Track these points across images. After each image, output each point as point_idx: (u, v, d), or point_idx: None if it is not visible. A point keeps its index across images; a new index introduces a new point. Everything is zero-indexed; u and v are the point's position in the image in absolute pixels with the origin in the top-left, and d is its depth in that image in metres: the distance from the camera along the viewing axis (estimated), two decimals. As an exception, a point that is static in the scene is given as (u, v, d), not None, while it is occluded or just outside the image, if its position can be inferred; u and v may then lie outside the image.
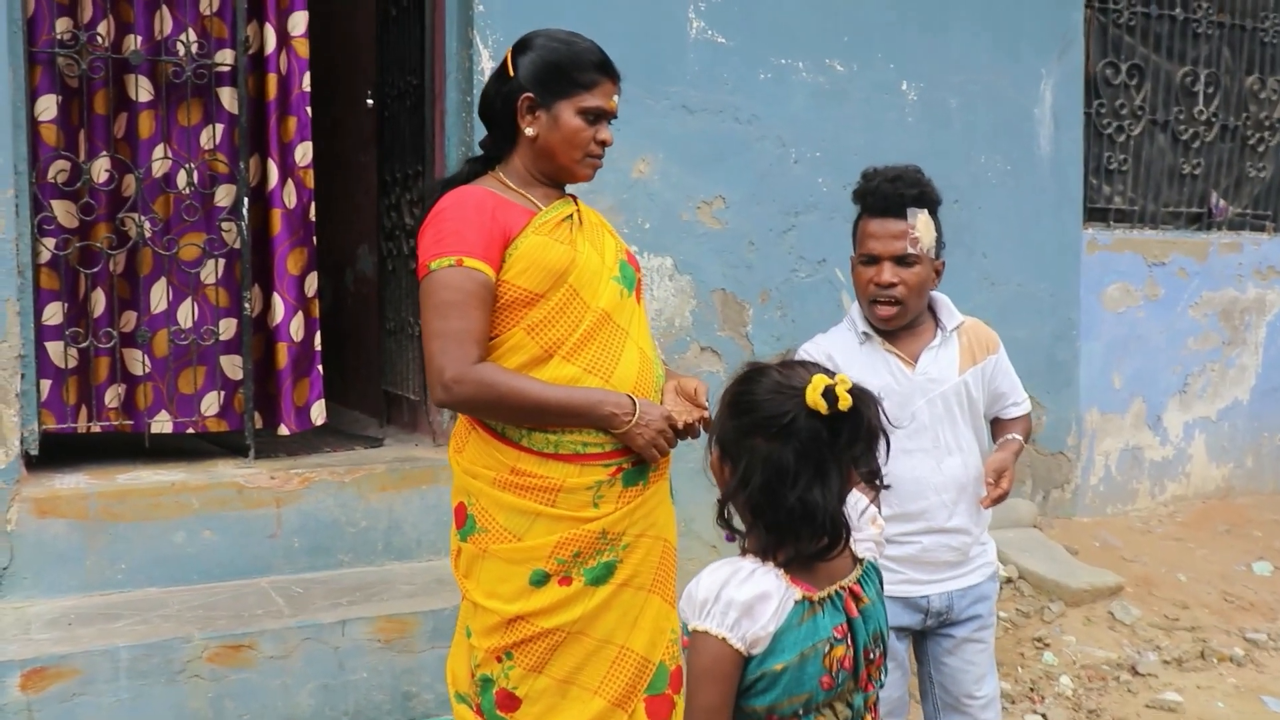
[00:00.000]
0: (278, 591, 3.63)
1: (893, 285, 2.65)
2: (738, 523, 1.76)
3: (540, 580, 2.35)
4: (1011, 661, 4.23)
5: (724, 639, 1.64)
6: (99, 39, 3.68)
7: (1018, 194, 5.16)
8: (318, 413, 4.03)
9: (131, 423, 3.85)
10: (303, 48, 3.91)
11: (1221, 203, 6.01)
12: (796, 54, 4.60)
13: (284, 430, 4.00)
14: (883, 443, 1.71)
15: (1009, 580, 4.72)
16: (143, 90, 3.77)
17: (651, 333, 4.25)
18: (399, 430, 4.65)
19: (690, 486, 4.36)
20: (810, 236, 4.64)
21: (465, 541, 2.44)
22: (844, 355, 2.73)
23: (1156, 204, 5.81)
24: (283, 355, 3.95)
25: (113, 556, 3.56)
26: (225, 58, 3.85)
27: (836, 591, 1.73)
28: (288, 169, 3.93)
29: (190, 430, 3.92)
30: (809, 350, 2.80)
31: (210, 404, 3.93)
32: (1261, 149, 6.12)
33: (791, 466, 1.64)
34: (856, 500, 1.82)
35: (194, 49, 3.78)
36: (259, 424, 4.01)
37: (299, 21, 3.90)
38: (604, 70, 2.42)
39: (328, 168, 5.17)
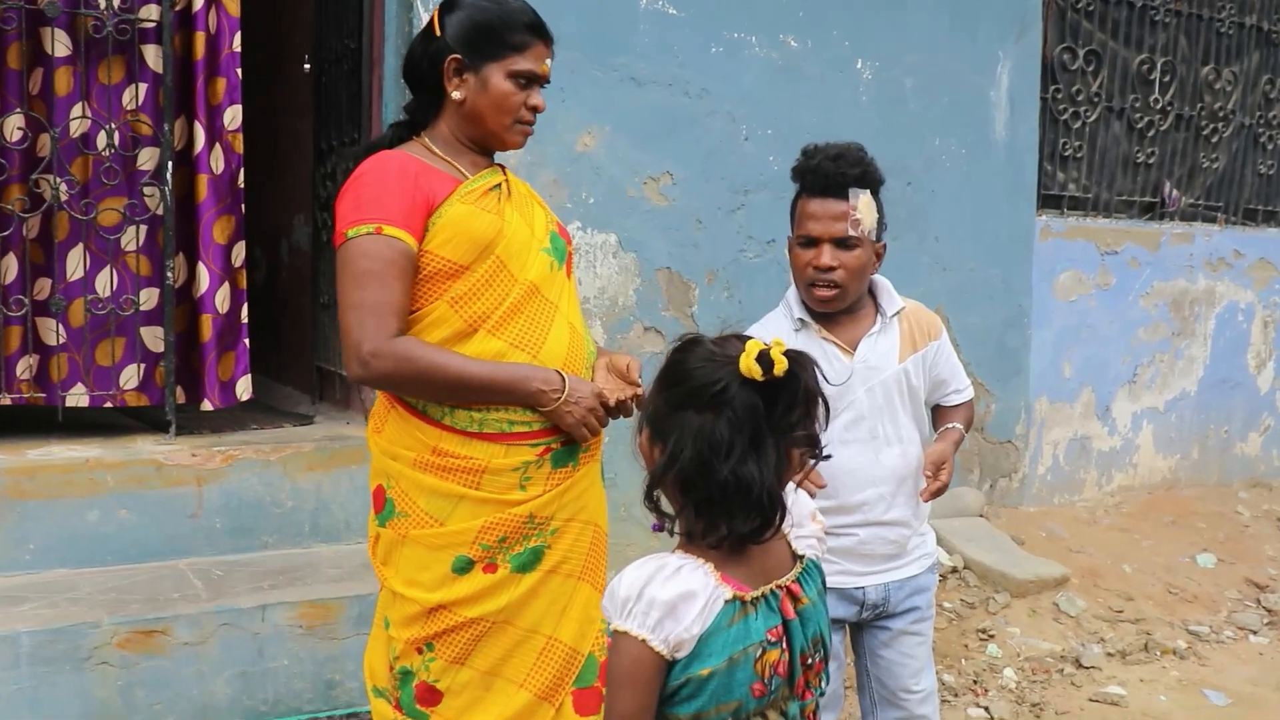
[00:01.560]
0: (197, 574, 3.47)
1: (832, 269, 2.53)
2: (667, 508, 1.63)
3: (464, 567, 2.24)
4: (955, 653, 4.16)
5: (645, 641, 1.52)
6: (12, -12, 3.50)
7: (972, 178, 5.07)
8: (243, 388, 3.87)
9: (44, 395, 3.67)
10: (233, 6, 3.73)
11: (1175, 193, 5.96)
12: (750, 28, 4.47)
13: (208, 406, 3.83)
14: (821, 408, 1.59)
15: (954, 570, 4.65)
16: (60, 45, 3.58)
17: (584, 309, 4.17)
18: (331, 407, 4.50)
19: (628, 469, 4.24)
20: (760, 216, 4.53)
21: (384, 527, 2.31)
22: None
23: (1110, 192, 5.75)
24: (207, 327, 3.78)
25: (20, 536, 3.39)
26: (150, 13, 3.66)
27: (772, 590, 1.61)
28: (215, 133, 3.76)
29: (108, 404, 3.75)
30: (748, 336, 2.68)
31: (129, 377, 3.75)
32: (1215, 140, 6.08)
33: (725, 438, 1.52)
34: (797, 494, 1.70)
35: (115, 3, 3.60)
36: (181, 399, 3.84)
37: (230, -22, 3.73)
38: (536, 32, 2.29)
39: (265, 135, 4.99)
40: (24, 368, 3.63)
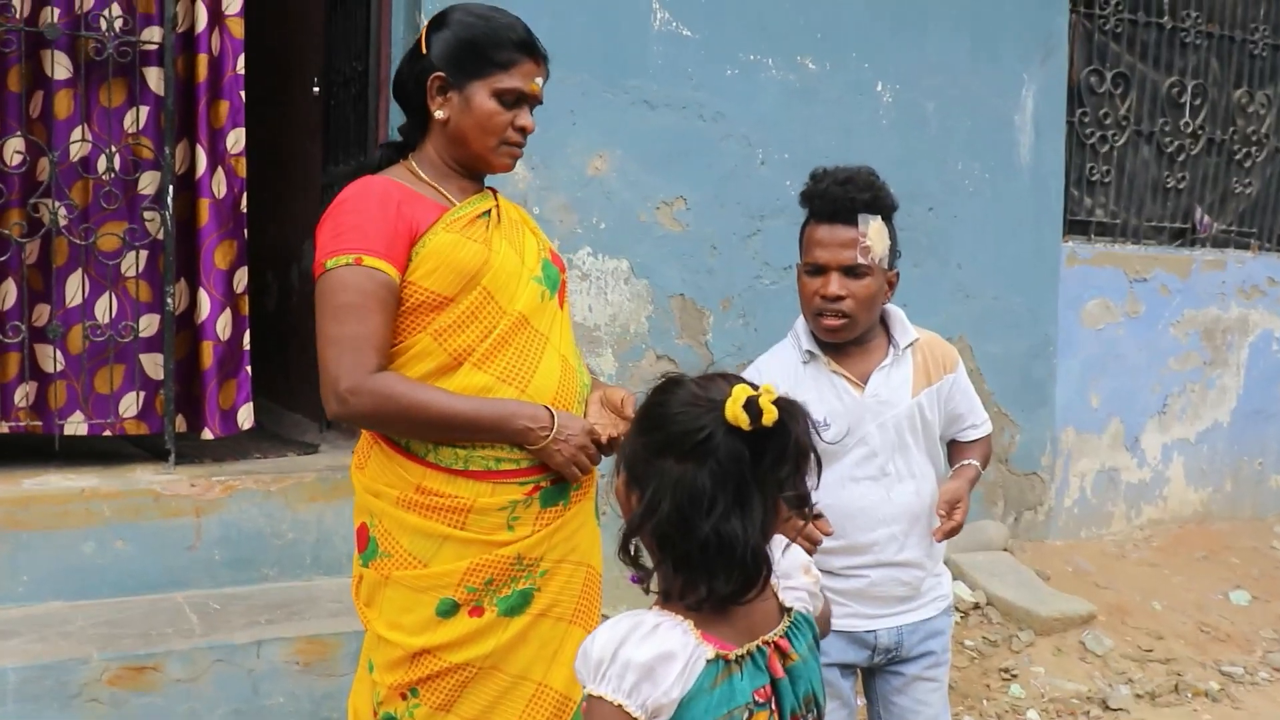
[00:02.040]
0: (193, 608, 3.38)
1: (840, 298, 2.42)
2: (646, 559, 1.51)
3: (448, 610, 2.13)
4: (977, 693, 4.01)
5: (621, 706, 1.41)
6: (12, 10, 3.43)
7: (995, 203, 4.95)
8: (245, 416, 3.78)
9: (42, 424, 3.59)
10: (237, 27, 3.66)
11: (1206, 218, 5.81)
12: (766, 50, 4.38)
13: (208, 434, 3.74)
14: (813, 462, 1.47)
15: (976, 606, 4.51)
16: (60, 67, 3.52)
17: (594, 336, 4.08)
18: (338, 436, 4.41)
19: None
20: (776, 242, 4.42)
21: (367, 567, 2.21)
22: (785, 377, 2.49)
23: (1139, 218, 5.61)
24: (208, 354, 3.70)
25: (14, 568, 3.31)
26: (152, 35, 3.59)
27: (759, 648, 1.49)
28: (218, 156, 3.68)
29: (107, 433, 3.67)
30: (749, 374, 2.57)
31: (129, 405, 3.68)
32: (1248, 164, 5.93)
33: (707, 491, 1.41)
34: (784, 545, 1.58)
35: (117, 25, 3.53)
36: (182, 427, 3.75)
37: (234, 0, 3.66)
38: (525, 49, 2.18)
39: (274, 159, 4.94)
40: (21, 395, 3.56)
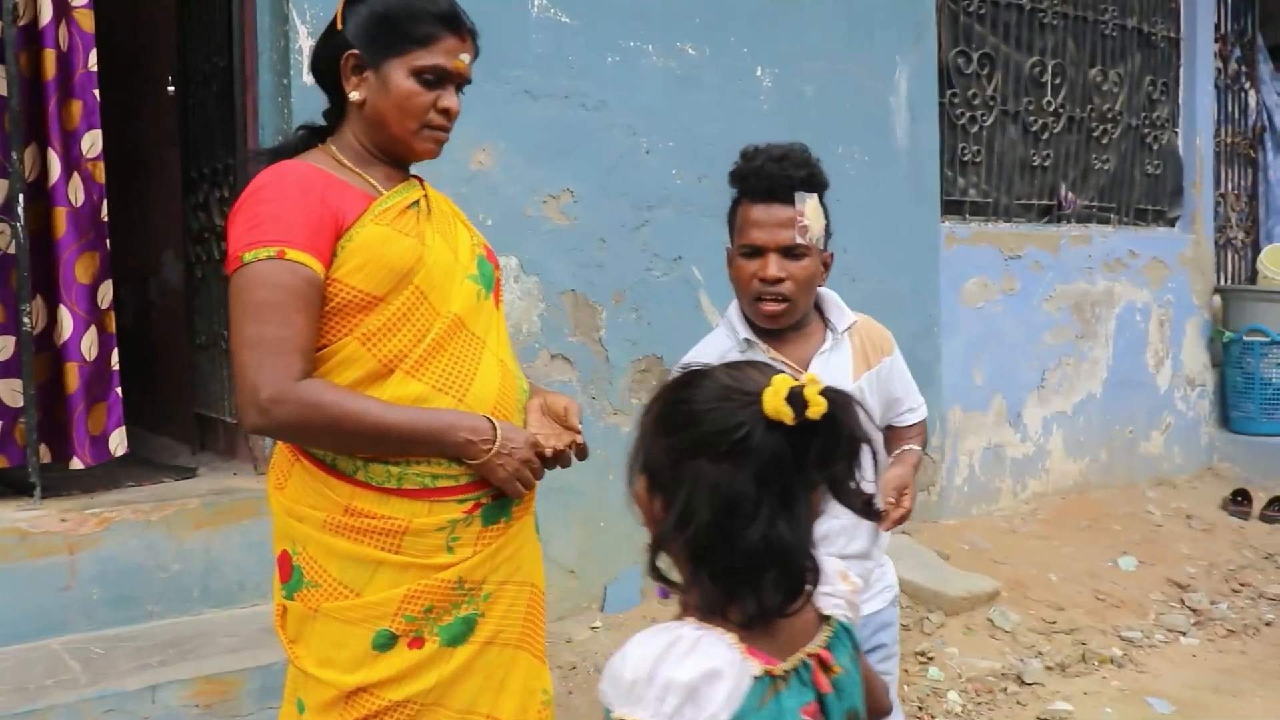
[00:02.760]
0: (73, 655, 3.09)
1: (780, 280, 2.32)
2: (674, 574, 1.35)
3: (386, 643, 1.93)
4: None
5: None
6: None
7: (876, 186, 4.94)
8: (117, 442, 3.49)
9: (-115, 462, 3.26)
10: (86, 20, 3.37)
11: (1070, 195, 5.94)
12: (646, 36, 4.27)
13: (77, 464, 3.44)
14: (869, 455, 1.31)
15: (885, 591, 4.48)
16: (-113, 67, 3.19)
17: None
18: (215, 457, 4.12)
19: (547, 505, 4.02)
20: (664, 232, 4.31)
21: (292, 599, 1.99)
22: None
23: (1009, 196, 5.70)
24: (73, 377, 3.40)
25: None
26: (-10, 30, 3.29)
27: (804, 662, 1.35)
28: (72, 161, 3.38)
29: (-40, 468, 3.35)
30: (688, 364, 2.45)
31: (-15, 437, 3.36)
32: (1105, 141, 6.10)
33: (750, 495, 1.26)
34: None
35: (-49, 19, 3.22)
36: (47, 458, 3.44)
37: (82, -10, 3.37)
38: (448, 23, 1.99)
39: (124, 165, 4.60)
40: None
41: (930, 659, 4.09)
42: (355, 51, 1.97)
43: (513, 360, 2.13)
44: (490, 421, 1.96)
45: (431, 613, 1.94)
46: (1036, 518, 5.58)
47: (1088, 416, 5.94)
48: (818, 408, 1.25)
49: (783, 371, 1.31)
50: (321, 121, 2.09)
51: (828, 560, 1.40)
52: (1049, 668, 4.18)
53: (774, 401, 1.25)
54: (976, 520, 5.39)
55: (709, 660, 1.27)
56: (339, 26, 1.99)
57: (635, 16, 4.23)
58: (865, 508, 1.35)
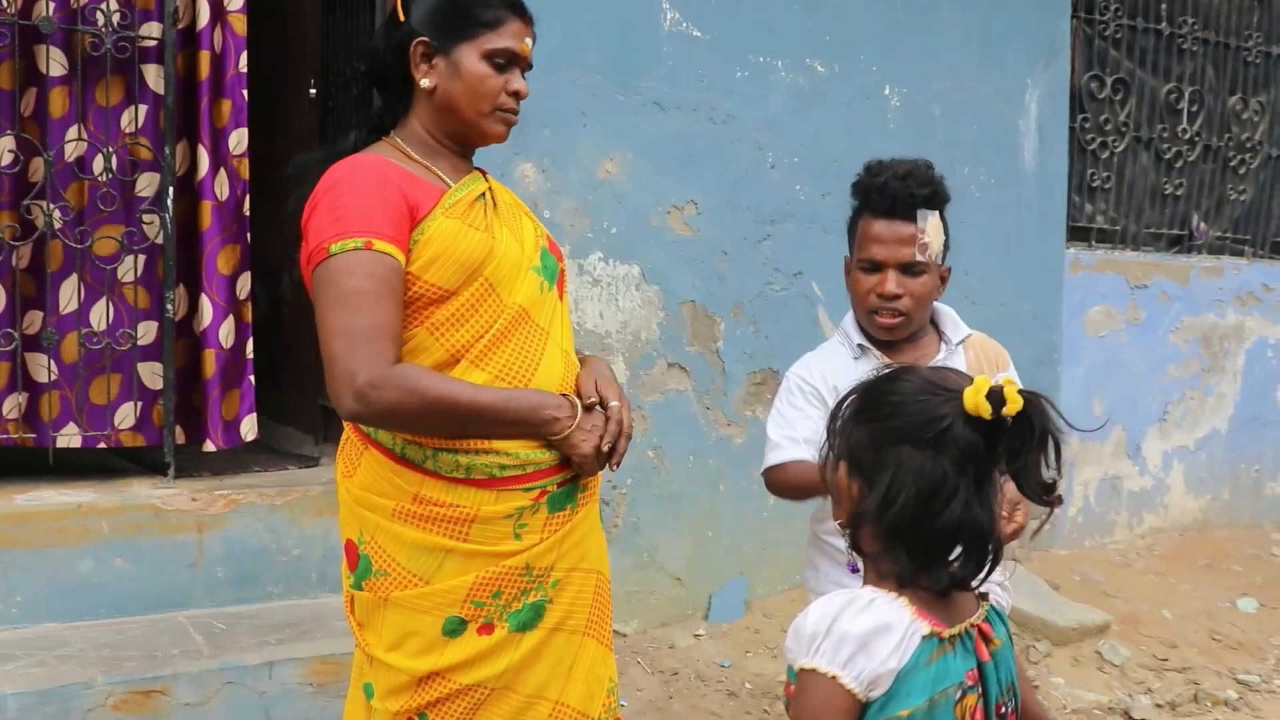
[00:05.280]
0: (197, 628, 3.23)
1: (898, 296, 2.34)
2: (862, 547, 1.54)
3: (456, 629, 1.97)
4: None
5: (835, 678, 1.40)
6: (4, 4, 3.27)
7: (1001, 209, 4.89)
8: (248, 427, 3.63)
9: (34, 436, 3.43)
10: (240, 24, 3.53)
11: (1202, 225, 5.80)
12: (776, 52, 4.30)
13: (210, 446, 3.58)
14: (1053, 450, 1.45)
15: (991, 618, 4.43)
16: (55, 64, 3.37)
17: (606, 343, 3.95)
18: (336, 449, 4.25)
19: (657, 512, 4.07)
20: (786, 247, 4.33)
21: (360, 589, 2.03)
22: (839, 375, 2.40)
23: (1138, 224, 5.58)
24: (210, 363, 3.55)
25: (8, 588, 3.14)
26: (151, 30, 3.45)
27: (967, 630, 1.50)
28: (220, 157, 3.54)
29: (102, 445, 3.51)
30: (799, 372, 2.48)
31: (125, 416, 3.52)
32: (1242, 171, 5.93)
33: (949, 479, 1.42)
34: None
35: (115, 19, 3.38)
36: (181, 439, 3.60)
37: (236, -6, 3.53)
38: (512, 7, 2.04)
39: (266, 163, 4.78)
40: (12, 406, 3.39)
41: (1035, 687, 4.02)
42: (424, 39, 2.01)
43: (573, 351, 2.16)
44: (569, 400, 2.01)
45: (500, 599, 1.99)
46: (1152, 553, 5.44)
47: (1211, 453, 5.77)
48: (1014, 405, 1.40)
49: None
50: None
51: None
52: (1159, 705, 4.08)
53: (975, 398, 1.40)
54: (1090, 552, 5.29)
55: (882, 616, 1.42)
56: (401, 17, 2.03)
57: (765, 32, 4.26)
58: (1044, 494, 1.46)
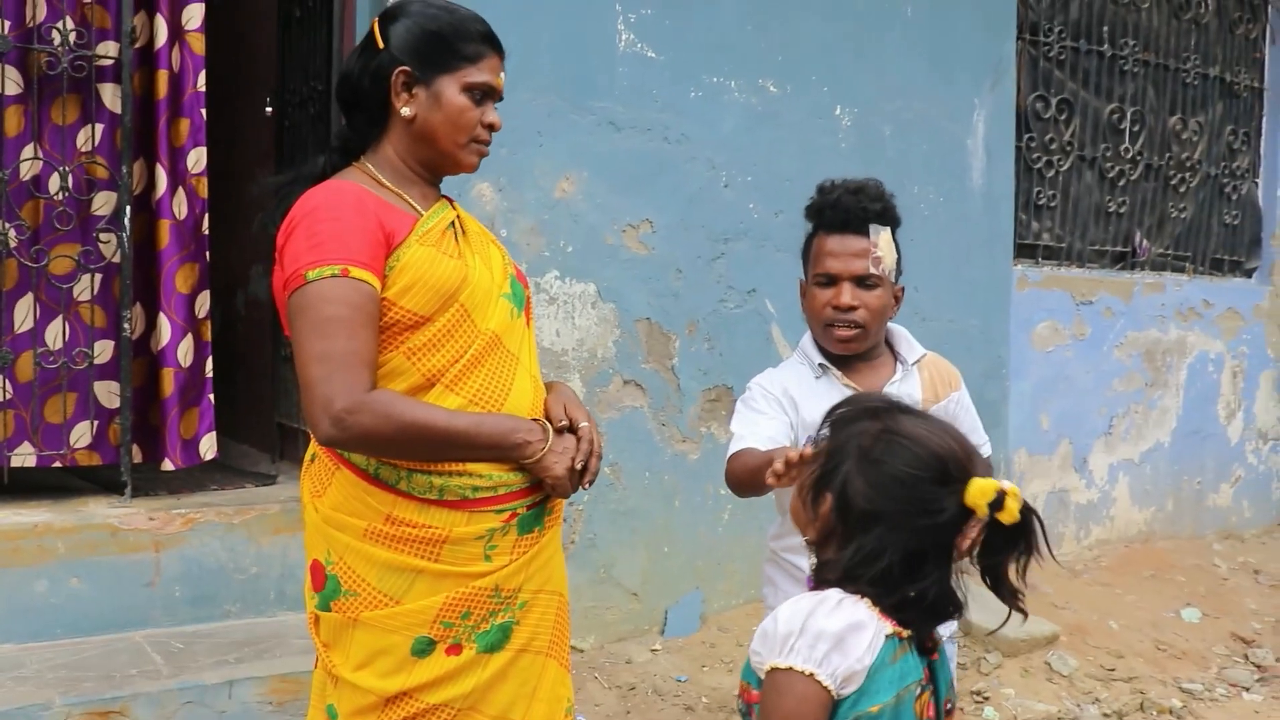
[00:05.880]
0: (155, 647, 3.23)
1: (853, 308, 2.40)
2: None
3: (424, 649, 1.99)
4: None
5: (812, 675, 1.46)
6: (-40, 23, 3.28)
7: (950, 227, 4.99)
8: (207, 446, 3.64)
9: (-12, 456, 3.42)
10: (198, 43, 3.54)
11: (1145, 242, 5.93)
12: (729, 72, 4.36)
13: (168, 465, 3.59)
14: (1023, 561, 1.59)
15: (943, 629, 4.50)
16: (10, 82, 3.37)
17: (562, 361, 4.00)
18: (293, 466, 4.26)
19: (613, 528, 4.11)
20: (740, 265, 4.39)
21: (327, 609, 2.04)
22: (800, 391, 2.46)
23: (1083, 241, 5.70)
24: (169, 382, 3.55)
25: (-38, 608, 3.13)
26: (108, 50, 3.46)
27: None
28: (178, 176, 3.55)
29: (57, 464, 3.50)
30: (762, 384, 2.53)
31: (81, 435, 3.51)
32: (1183, 189, 6.08)
33: (933, 553, 1.54)
34: None
35: (71, 38, 3.39)
36: (138, 458, 3.60)
37: (195, 14, 3.54)
38: (490, 42, 2.09)
39: (220, 181, 4.77)
40: (-34, 426, 3.38)
41: (986, 699, 4.10)
42: (406, 68, 2.04)
43: (539, 377, 2.20)
44: (541, 424, 2.06)
45: (469, 619, 2.01)
46: (1099, 564, 5.55)
47: (1155, 466, 5.90)
48: (1010, 518, 1.51)
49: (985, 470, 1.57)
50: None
51: None
52: (1106, 714, 4.16)
53: (977, 500, 1.50)
54: (1038, 563, 5.37)
55: (853, 614, 1.50)
56: (380, 45, 2.06)
57: (718, 53, 4.33)
58: (1012, 597, 1.59)
